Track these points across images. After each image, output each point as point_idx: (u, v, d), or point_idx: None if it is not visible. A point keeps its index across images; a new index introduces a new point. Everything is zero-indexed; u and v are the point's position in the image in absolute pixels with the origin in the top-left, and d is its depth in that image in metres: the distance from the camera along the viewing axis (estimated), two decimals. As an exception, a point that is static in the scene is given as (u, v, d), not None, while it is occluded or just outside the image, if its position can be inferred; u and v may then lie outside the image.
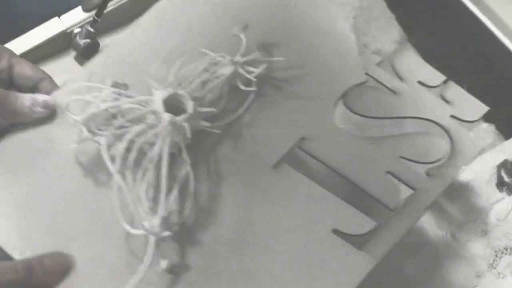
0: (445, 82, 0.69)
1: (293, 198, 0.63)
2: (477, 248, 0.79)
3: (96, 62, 0.69)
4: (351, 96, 0.67)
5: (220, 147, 0.65)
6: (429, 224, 0.80)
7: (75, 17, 0.87)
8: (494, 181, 0.83)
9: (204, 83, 0.66)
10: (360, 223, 0.61)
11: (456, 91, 0.69)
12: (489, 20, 0.91)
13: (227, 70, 0.67)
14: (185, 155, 0.62)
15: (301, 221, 0.61)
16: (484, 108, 0.68)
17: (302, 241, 0.61)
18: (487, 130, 0.67)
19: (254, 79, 0.67)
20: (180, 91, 0.63)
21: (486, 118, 0.90)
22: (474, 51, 0.94)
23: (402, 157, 0.65)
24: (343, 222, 0.61)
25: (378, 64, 0.70)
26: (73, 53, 0.86)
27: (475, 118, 0.68)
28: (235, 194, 0.63)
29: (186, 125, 0.62)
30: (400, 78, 0.69)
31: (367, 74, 0.69)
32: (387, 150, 0.65)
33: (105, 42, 0.85)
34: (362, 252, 0.60)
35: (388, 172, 0.63)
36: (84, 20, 0.86)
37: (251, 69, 0.67)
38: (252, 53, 0.68)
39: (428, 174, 0.64)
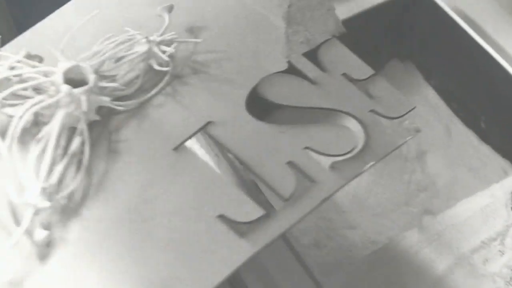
0: (372, 76, 0.66)
1: (187, 181, 0.61)
2: (495, 267, 0.79)
3: (21, 35, 0.69)
4: (267, 83, 0.65)
5: (125, 127, 0.64)
6: (448, 244, 0.80)
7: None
8: (510, 205, 0.82)
9: (117, 60, 0.65)
10: (248, 211, 0.58)
11: (382, 87, 0.66)
12: (505, 62, 0.91)
13: (142, 48, 0.65)
14: (81, 128, 0.61)
15: (190, 204, 0.60)
16: (409, 106, 0.65)
17: (188, 224, 0.59)
18: (408, 128, 0.63)
19: (167, 59, 0.65)
20: (83, 64, 0.62)
21: (502, 151, 0.92)
22: (490, 91, 0.95)
23: (308, 147, 0.61)
24: (231, 208, 0.58)
25: (305, 54, 0.67)
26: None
27: (398, 115, 0.64)
28: (132, 173, 0.62)
29: (83, 97, 0.61)
30: (324, 69, 0.66)
31: (289, 62, 0.66)
32: (294, 140, 0.62)
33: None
34: (243, 240, 0.57)
35: (289, 162, 0.61)
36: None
37: (166, 48, 0.66)
38: (169, 33, 0.66)
39: (332, 167, 0.61)
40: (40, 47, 0.67)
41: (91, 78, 0.62)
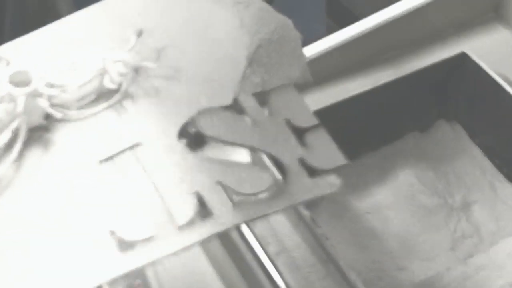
0: (315, 127, 0.65)
1: (98, 193, 0.63)
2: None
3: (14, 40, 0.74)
4: (203, 115, 0.66)
5: (67, 134, 0.67)
6: (488, 278, 0.85)
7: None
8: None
9: (72, 71, 0.69)
10: (137, 231, 0.59)
11: (321, 138, 0.65)
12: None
13: (98, 64, 0.69)
14: (15, 127, 0.65)
15: (94, 216, 0.62)
16: (340, 161, 0.64)
17: (85, 234, 0.61)
18: (331, 183, 0.63)
19: (117, 78, 0.68)
20: (30, 70, 0.66)
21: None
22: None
23: (220, 181, 0.62)
24: (124, 225, 0.60)
25: (255, 94, 0.68)
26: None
27: (325, 168, 0.63)
28: (56, 180, 0.65)
29: (21, 98, 0.65)
30: (268, 111, 0.67)
31: (236, 99, 0.67)
32: (209, 172, 0.63)
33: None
34: (122, 258, 0.58)
35: (196, 192, 0.61)
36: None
37: (119, 68, 0.68)
38: (130, 54, 0.69)
39: (237, 204, 0.61)
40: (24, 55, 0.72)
41: (34, 82, 0.65)
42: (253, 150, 0.65)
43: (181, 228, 0.60)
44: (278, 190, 0.63)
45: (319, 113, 0.91)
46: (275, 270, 0.79)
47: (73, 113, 0.68)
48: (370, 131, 1.03)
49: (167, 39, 0.73)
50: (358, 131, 1.00)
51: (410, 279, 0.92)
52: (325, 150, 0.65)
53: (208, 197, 0.62)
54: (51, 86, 0.67)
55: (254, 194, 0.62)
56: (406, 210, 1.01)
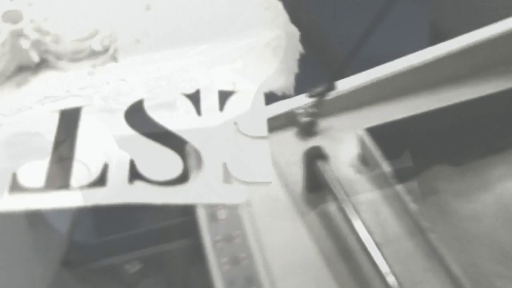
0: (259, 138, 0.63)
1: (25, 134, 0.65)
2: None
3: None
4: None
5: (41, 79, 0.70)
6: None
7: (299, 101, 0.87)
8: None
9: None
10: (34, 179, 0.61)
11: (260, 151, 0.62)
12: None
13: (91, 29, 0.71)
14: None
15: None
16: (266, 179, 0.61)
17: None
18: (239, 194, 0.60)
19: (105, 41, 0.70)
20: (21, 9, 0.70)
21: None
22: None
23: (132, 160, 0.62)
24: (25, 171, 0.62)
25: (221, 91, 0.66)
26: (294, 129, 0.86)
27: (246, 180, 0.61)
28: (8, 113, 0.68)
29: (3, 33, 0.69)
30: (224, 111, 0.65)
31: (198, 90, 0.67)
32: (128, 148, 0.63)
33: (323, 123, 0.87)
34: (7, 198, 0.60)
35: (105, 163, 0.62)
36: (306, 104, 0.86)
37: (108, 32, 0.70)
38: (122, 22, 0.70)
39: (133, 183, 0.60)
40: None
41: (21, 23, 0.68)
42: (182, 142, 0.63)
43: (71, 188, 0.59)
44: (183, 186, 0.59)
45: (428, 115, 0.88)
46: (381, 258, 0.75)
47: (59, 63, 0.70)
48: (477, 139, 0.99)
49: (176, 18, 0.73)
50: (465, 138, 0.96)
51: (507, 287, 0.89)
52: (257, 163, 0.61)
53: (112, 171, 0.60)
54: (46, 33, 0.69)
55: (157, 182, 0.60)
56: (508, 220, 0.96)
